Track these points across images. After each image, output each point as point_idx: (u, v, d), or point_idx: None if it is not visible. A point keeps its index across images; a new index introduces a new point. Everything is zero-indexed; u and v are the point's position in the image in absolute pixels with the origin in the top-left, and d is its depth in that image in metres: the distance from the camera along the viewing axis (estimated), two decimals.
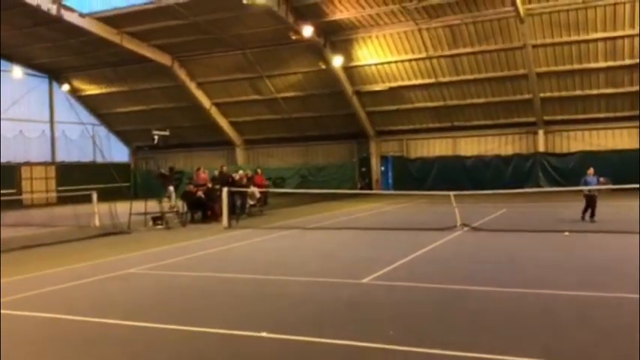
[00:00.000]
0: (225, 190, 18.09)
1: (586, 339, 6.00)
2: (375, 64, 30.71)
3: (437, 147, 33.78)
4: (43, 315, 7.66)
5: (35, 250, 14.03)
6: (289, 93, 33.66)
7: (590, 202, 16.14)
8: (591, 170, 16.49)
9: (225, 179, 21.01)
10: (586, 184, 16.28)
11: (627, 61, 26.74)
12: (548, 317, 6.73)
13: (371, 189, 33.44)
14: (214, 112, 36.28)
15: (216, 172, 22.52)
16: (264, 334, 6.38)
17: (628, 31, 25.65)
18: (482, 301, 7.74)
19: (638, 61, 26.47)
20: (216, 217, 19.63)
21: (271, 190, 24.42)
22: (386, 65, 30.53)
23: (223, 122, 37.03)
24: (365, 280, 9.14)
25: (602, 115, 29.73)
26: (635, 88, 27.72)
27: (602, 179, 16.50)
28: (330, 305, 7.78)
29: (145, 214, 18.74)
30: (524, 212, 20.00)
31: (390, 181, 35.20)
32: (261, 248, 13.59)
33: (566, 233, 13.61)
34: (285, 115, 34.97)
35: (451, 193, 16.20)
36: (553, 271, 9.59)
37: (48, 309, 7.95)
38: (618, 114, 29.34)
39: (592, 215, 16.05)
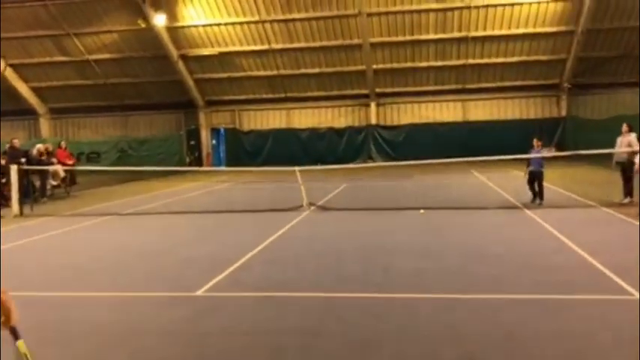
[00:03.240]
0: (13, 168, 14.38)
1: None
2: (203, 26, 27.84)
3: (271, 119, 32.04)
4: None
5: None
6: (103, 55, 29.43)
7: (536, 180, 12.89)
8: (536, 142, 13.12)
9: (17, 155, 17.04)
10: (530, 159, 13.03)
11: (456, 34, 27.11)
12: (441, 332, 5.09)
13: (201, 165, 30.77)
14: (10, 76, 30.70)
15: (8, 146, 18.42)
16: None
17: (458, 3, 25.90)
18: (363, 315, 5.90)
19: (465, 34, 26.95)
20: (6, 202, 15.79)
21: (80, 168, 20.65)
22: (215, 27, 27.81)
23: (22, 87, 31.56)
24: (199, 292, 6.83)
25: (430, 88, 30.15)
26: (461, 62, 28.35)
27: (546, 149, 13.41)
28: (153, 346, 5.37)
29: None
30: (365, 187, 18.97)
31: (222, 155, 32.78)
32: (62, 245, 10.53)
33: (422, 211, 12.52)
34: (100, 80, 30.65)
35: (296, 168, 14.39)
36: (427, 262, 8.14)
37: None
38: (445, 87, 29.94)
39: (541, 197, 12.86)
